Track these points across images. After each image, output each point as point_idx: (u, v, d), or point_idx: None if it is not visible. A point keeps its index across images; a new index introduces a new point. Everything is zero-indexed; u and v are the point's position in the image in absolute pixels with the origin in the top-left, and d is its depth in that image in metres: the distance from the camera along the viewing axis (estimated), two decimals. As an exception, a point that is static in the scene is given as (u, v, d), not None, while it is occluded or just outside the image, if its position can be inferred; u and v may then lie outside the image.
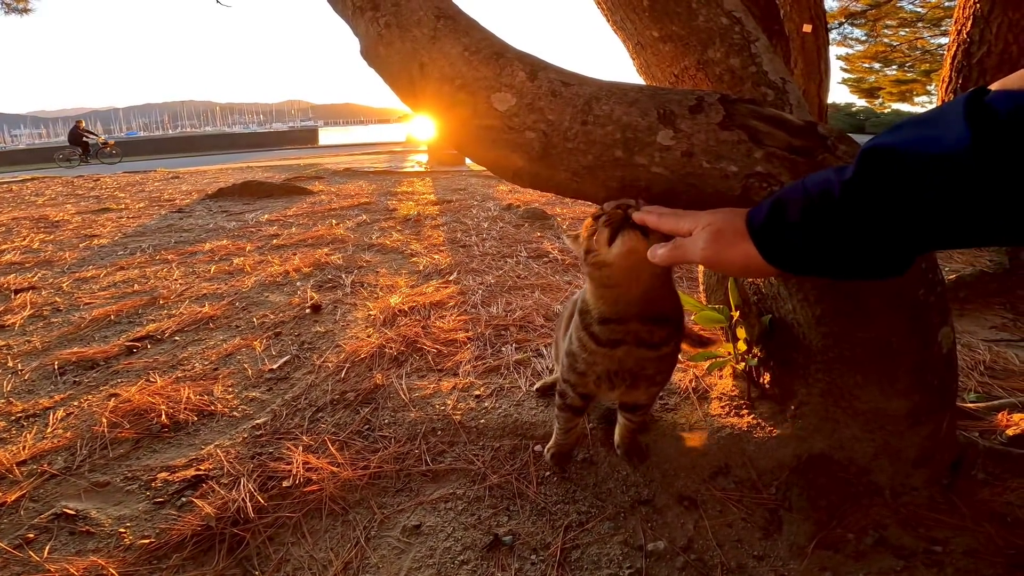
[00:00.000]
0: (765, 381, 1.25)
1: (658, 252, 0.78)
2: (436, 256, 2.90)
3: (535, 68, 0.99)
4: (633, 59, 1.38)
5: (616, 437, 1.21)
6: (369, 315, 2.10)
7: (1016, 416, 1.20)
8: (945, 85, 3.01)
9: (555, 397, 1.16)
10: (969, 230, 0.52)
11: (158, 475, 1.24)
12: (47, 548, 1.05)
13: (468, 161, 8.75)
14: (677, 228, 0.78)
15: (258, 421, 1.44)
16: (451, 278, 2.51)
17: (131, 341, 1.95)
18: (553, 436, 1.22)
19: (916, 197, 0.52)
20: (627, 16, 1.28)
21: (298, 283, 2.54)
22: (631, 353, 0.98)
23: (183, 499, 1.17)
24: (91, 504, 1.17)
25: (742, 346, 1.25)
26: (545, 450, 1.23)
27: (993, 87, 0.49)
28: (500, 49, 1.01)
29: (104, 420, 1.44)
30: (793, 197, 0.63)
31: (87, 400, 1.58)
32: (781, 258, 0.65)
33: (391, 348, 1.79)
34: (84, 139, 16.73)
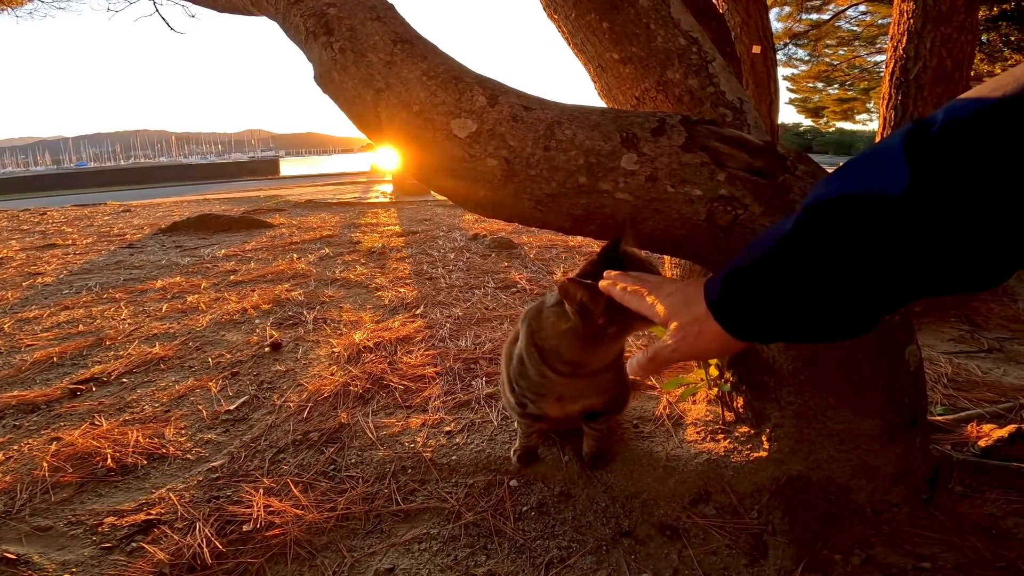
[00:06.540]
0: (739, 405, 1.24)
1: (634, 364, 0.73)
2: (402, 289, 2.84)
3: (495, 92, 0.97)
4: (595, 82, 1.38)
5: (584, 447, 1.25)
6: (333, 352, 2.03)
7: (986, 427, 1.21)
8: (885, 102, 3.13)
9: (514, 406, 1.21)
10: (929, 282, 0.47)
11: (105, 520, 1.17)
12: (-13, 592, 0.98)
13: (431, 188, 8.69)
14: (639, 310, 0.73)
15: (214, 463, 1.36)
16: (418, 312, 2.46)
17: (75, 384, 1.84)
18: (517, 440, 1.29)
19: (861, 252, 0.47)
20: (587, 38, 1.28)
21: (257, 321, 2.44)
22: (592, 380, 1.10)
23: (133, 544, 1.10)
24: (33, 548, 1.10)
25: (714, 371, 1.25)
26: (512, 452, 1.29)
27: (940, 110, 0.43)
28: (459, 73, 0.99)
29: (45, 464, 1.36)
30: (742, 269, 0.58)
31: (27, 444, 1.48)
32: (747, 333, 0.60)
33: (356, 386, 1.72)
34: None
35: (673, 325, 0.66)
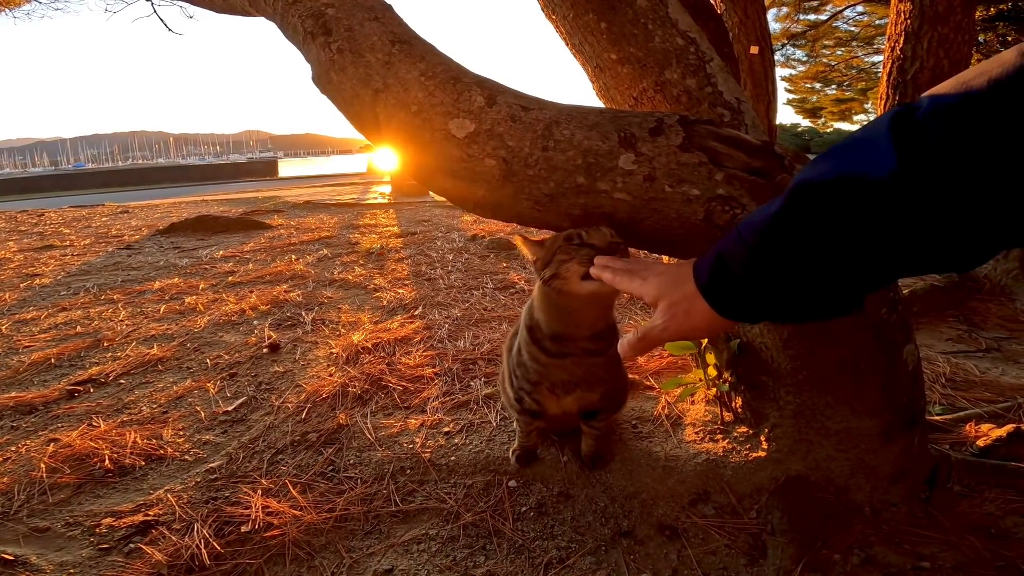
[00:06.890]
0: (737, 405, 1.24)
1: (624, 344, 0.74)
2: (400, 290, 2.84)
3: (493, 92, 0.97)
4: (593, 82, 1.38)
5: (582, 447, 1.25)
6: (331, 353, 2.03)
7: (984, 426, 1.21)
8: (883, 102, 3.13)
9: (512, 401, 1.22)
10: (910, 261, 0.48)
11: (103, 521, 1.17)
12: (-16, 593, 0.98)
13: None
14: (629, 289, 0.76)
15: (212, 464, 1.36)
16: (416, 312, 2.46)
17: (72, 385, 1.84)
18: (516, 440, 1.29)
19: (846, 232, 0.49)
20: (585, 39, 1.28)
21: (255, 322, 2.44)
22: (579, 362, 1.09)
23: (131, 545, 1.10)
24: (31, 549, 1.10)
25: (712, 371, 1.24)
26: (510, 453, 1.28)
27: (925, 95, 0.45)
28: (457, 74, 0.99)
29: (43, 465, 1.36)
30: (731, 248, 0.60)
31: (25, 445, 1.48)
32: (735, 312, 0.62)
33: (355, 386, 1.72)
34: None
35: (662, 304, 0.68)
